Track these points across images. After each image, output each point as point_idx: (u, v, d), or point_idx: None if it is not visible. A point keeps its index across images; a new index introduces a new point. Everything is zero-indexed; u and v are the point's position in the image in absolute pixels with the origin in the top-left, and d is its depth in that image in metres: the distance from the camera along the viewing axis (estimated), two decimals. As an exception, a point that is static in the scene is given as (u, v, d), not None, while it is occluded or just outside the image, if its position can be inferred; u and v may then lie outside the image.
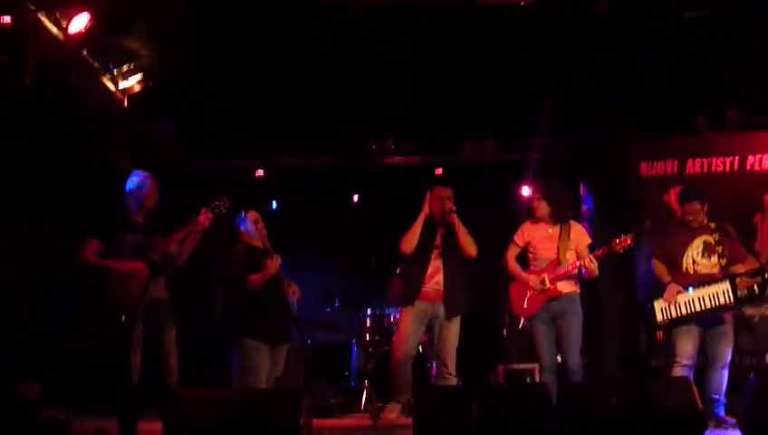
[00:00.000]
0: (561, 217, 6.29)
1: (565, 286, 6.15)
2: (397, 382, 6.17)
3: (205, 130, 8.28)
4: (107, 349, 5.64)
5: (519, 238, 6.40)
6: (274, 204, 9.07)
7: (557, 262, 6.21)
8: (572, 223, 6.36)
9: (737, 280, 5.93)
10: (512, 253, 6.41)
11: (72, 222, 6.39)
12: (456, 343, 6.15)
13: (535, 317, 6.18)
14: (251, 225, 6.12)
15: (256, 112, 8.02)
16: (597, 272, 6.14)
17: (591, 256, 6.06)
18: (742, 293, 5.91)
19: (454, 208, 6.11)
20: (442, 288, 6.11)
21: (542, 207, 6.30)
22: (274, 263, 5.93)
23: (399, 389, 6.16)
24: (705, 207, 6.29)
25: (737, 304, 6.03)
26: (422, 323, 6.17)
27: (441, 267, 6.14)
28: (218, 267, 6.77)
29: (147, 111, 7.15)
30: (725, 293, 5.96)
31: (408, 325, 6.19)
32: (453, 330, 6.13)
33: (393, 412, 6.15)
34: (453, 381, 6.09)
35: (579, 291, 6.25)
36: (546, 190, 6.38)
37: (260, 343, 5.91)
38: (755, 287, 5.89)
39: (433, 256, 6.18)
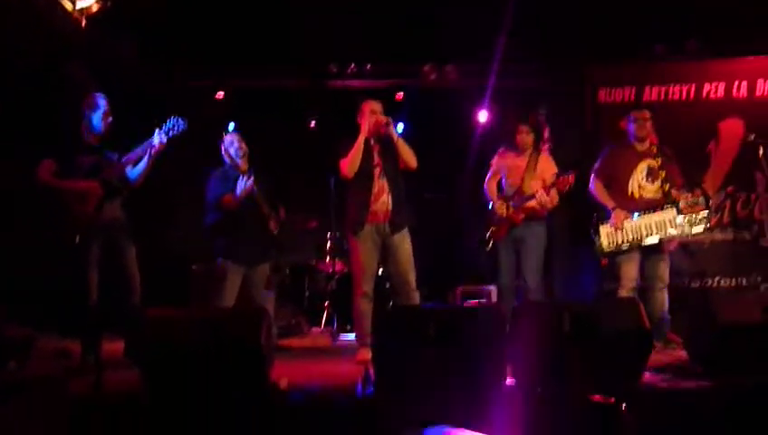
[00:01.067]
0: (537, 147, 6.55)
1: (527, 214, 6.40)
2: (362, 323, 5.82)
3: (164, 51, 8.16)
4: (63, 269, 5.65)
5: (494, 163, 6.72)
6: (232, 125, 9.04)
7: (521, 190, 6.41)
8: (543, 154, 6.57)
9: (682, 206, 5.97)
10: (490, 178, 6.71)
11: (28, 142, 6.33)
12: (412, 258, 5.93)
13: (501, 241, 6.48)
14: (228, 147, 6.17)
15: (217, 33, 7.92)
16: (551, 206, 6.33)
17: (542, 191, 6.23)
18: (687, 220, 5.96)
19: (389, 120, 5.87)
20: (389, 208, 5.85)
21: (529, 139, 6.57)
22: (245, 185, 5.94)
23: (366, 330, 5.71)
24: (653, 125, 6.36)
25: (683, 233, 6.06)
26: (376, 248, 5.91)
27: (386, 186, 5.89)
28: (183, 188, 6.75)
29: (106, 30, 7.02)
30: (672, 221, 6.02)
31: (363, 256, 5.89)
32: (405, 245, 5.91)
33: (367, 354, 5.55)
34: (416, 297, 5.87)
35: (543, 219, 6.46)
36: (532, 121, 6.64)
37: (234, 264, 6.01)
38: (701, 216, 5.95)
39: (375, 176, 5.91)
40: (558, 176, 6.27)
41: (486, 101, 8.70)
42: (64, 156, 5.53)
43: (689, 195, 6.03)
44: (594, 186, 6.41)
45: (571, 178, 6.18)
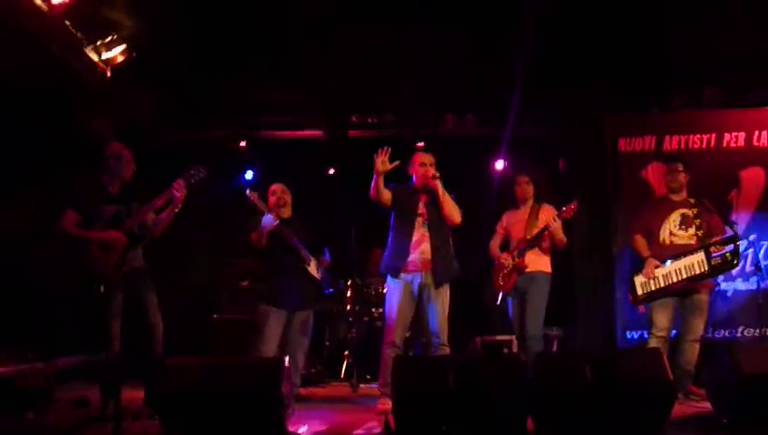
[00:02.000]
0: (538, 199, 6.71)
1: (532, 264, 6.53)
2: (387, 372, 5.65)
3: (186, 102, 8.27)
4: (87, 319, 5.67)
5: (500, 226, 6.90)
6: (250, 174, 9.13)
7: (524, 240, 6.57)
8: (544, 205, 6.71)
9: (711, 248, 6.06)
10: (494, 240, 6.89)
11: (51, 193, 6.41)
12: (446, 312, 5.92)
13: (510, 293, 6.62)
14: (270, 196, 6.44)
15: (238, 84, 8.02)
16: (563, 237, 6.52)
17: (552, 219, 6.40)
18: (716, 261, 6.03)
19: (437, 174, 5.91)
20: (429, 257, 5.87)
21: (529, 191, 6.73)
22: (266, 220, 6.11)
23: (389, 380, 5.39)
24: (687, 176, 6.44)
25: (712, 273, 6.11)
26: (412, 297, 5.90)
27: (427, 236, 5.90)
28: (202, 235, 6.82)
29: (129, 81, 7.13)
30: (700, 262, 6.08)
31: (399, 305, 5.87)
32: (444, 298, 5.91)
33: (388, 404, 5.40)
34: (446, 350, 5.83)
35: (547, 271, 6.57)
36: (533, 174, 6.80)
37: (273, 309, 6.14)
38: (728, 256, 6.02)
39: (417, 225, 5.92)
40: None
41: (504, 150, 8.74)
42: (87, 206, 5.58)
43: (720, 239, 6.13)
44: (633, 239, 6.52)
45: (573, 205, 6.39)
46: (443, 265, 5.91)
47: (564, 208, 6.44)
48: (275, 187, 6.53)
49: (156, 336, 5.59)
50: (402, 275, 5.89)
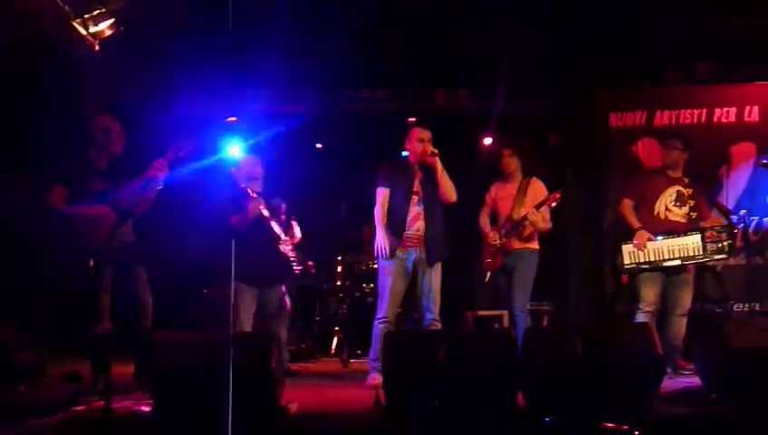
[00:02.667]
0: (527, 172, 6.54)
1: (518, 242, 6.41)
2: (378, 347, 5.70)
3: (177, 75, 8.20)
4: (75, 293, 5.67)
5: (488, 197, 6.73)
6: (239, 149, 9.03)
7: (511, 217, 6.44)
8: (534, 179, 6.55)
9: (707, 233, 6.09)
10: (483, 212, 6.74)
11: (40, 167, 6.37)
12: (439, 289, 5.97)
13: (498, 270, 6.49)
14: (244, 169, 6.15)
15: (230, 56, 7.95)
16: (544, 225, 6.35)
17: (532, 210, 6.25)
18: (711, 247, 6.08)
19: (436, 151, 5.90)
20: (423, 234, 5.90)
21: (513, 163, 6.56)
22: (254, 206, 5.95)
23: (380, 355, 5.39)
24: (686, 155, 6.46)
25: (706, 258, 6.16)
26: (407, 274, 5.95)
27: (422, 213, 5.94)
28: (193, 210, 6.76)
29: (119, 54, 7.07)
30: (695, 246, 6.11)
31: (392, 281, 5.91)
32: (436, 275, 5.96)
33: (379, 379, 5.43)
34: (438, 326, 5.90)
35: (535, 247, 6.44)
36: (517, 147, 6.62)
37: (246, 286, 5.98)
38: (724, 244, 6.07)
39: (412, 203, 5.95)
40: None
41: (493, 126, 8.71)
42: (75, 181, 5.57)
43: (715, 224, 6.20)
44: (623, 205, 6.50)
45: (557, 195, 6.29)
46: (437, 243, 5.94)
47: (549, 197, 6.31)
48: (248, 159, 6.29)
49: (145, 311, 5.59)
50: (397, 252, 5.91)
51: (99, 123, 5.70)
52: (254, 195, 5.99)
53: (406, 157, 6.16)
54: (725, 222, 6.32)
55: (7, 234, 6.83)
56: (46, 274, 6.52)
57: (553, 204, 6.32)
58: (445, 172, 5.94)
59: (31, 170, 6.73)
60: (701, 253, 6.08)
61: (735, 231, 6.25)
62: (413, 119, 8.73)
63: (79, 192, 5.52)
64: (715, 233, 6.07)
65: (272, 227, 6.08)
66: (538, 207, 6.27)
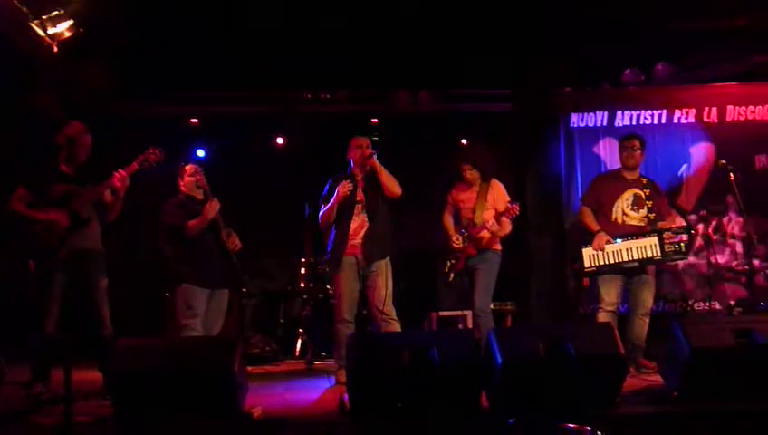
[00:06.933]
0: (486, 177, 6.59)
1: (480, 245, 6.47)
2: (342, 348, 5.89)
3: (136, 78, 8.13)
4: (22, 297, 5.63)
5: (450, 198, 6.79)
6: (202, 152, 8.97)
7: (473, 222, 6.50)
8: (493, 182, 6.60)
9: (665, 235, 6.11)
10: (446, 212, 6.79)
11: (3, 170, 6.28)
12: (391, 288, 6.06)
13: (461, 271, 6.56)
14: (188, 177, 6.13)
15: (189, 58, 7.90)
16: (504, 232, 6.42)
17: (492, 221, 6.31)
18: (669, 248, 6.10)
19: (373, 152, 6.06)
20: (361, 241, 6.09)
21: (473, 174, 6.60)
22: (212, 206, 5.94)
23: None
24: (643, 154, 6.48)
25: (663, 259, 6.18)
26: (357, 277, 6.10)
27: (366, 221, 6.11)
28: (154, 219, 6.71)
29: (78, 57, 6.99)
30: (653, 247, 6.13)
31: (343, 285, 6.09)
32: (382, 275, 6.07)
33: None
34: (396, 326, 6.00)
35: (497, 248, 6.50)
36: (473, 157, 6.70)
37: (198, 287, 5.94)
38: (681, 245, 6.09)
39: (356, 211, 6.13)
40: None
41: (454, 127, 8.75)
42: (37, 184, 5.50)
43: (673, 225, 6.21)
44: (581, 211, 6.54)
45: (515, 207, 6.31)
46: (374, 243, 6.08)
47: (509, 208, 6.32)
48: (193, 167, 6.22)
49: (102, 321, 5.51)
50: (344, 258, 6.08)
51: (68, 130, 5.63)
52: (211, 196, 5.99)
53: (350, 169, 6.29)
54: (684, 223, 6.36)
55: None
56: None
57: (513, 216, 6.34)
58: (384, 169, 6.06)
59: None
60: (659, 254, 6.11)
61: (693, 233, 6.30)
62: (375, 120, 8.77)
63: (41, 196, 5.46)
64: (672, 234, 6.10)
65: (221, 231, 6.05)
66: (500, 216, 6.33)
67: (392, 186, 6.08)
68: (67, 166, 5.63)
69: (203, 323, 5.94)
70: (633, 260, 6.16)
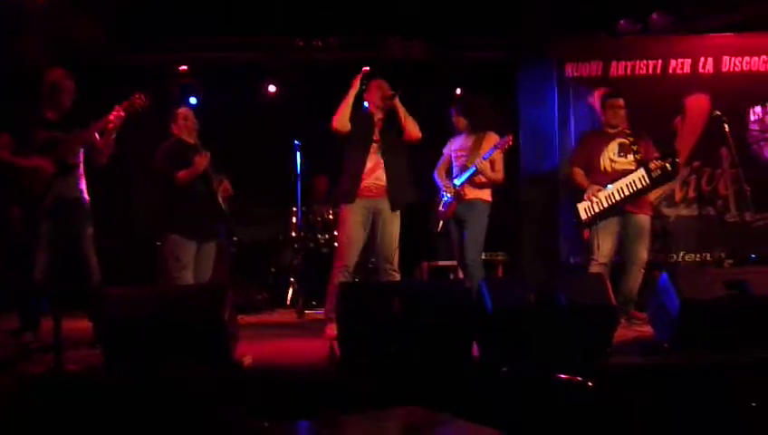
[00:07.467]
0: (478, 128, 6.60)
1: (471, 193, 6.49)
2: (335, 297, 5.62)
3: (125, 24, 8.01)
4: (9, 245, 5.64)
5: (446, 150, 6.81)
6: (194, 100, 8.89)
7: (466, 168, 6.50)
8: (489, 133, 6.59)
9: (650, 164, 6.13)
10: (440, 163, 6.80)
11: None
12: (397, 238, 6.02)
13: (450, 220, 6.58)
14: (182, 121, 6.05)
15: (179, 5, 7.79)
16: (494, 175, 6.46)
17: (480, 159, 6.34)
18: (656, 173, 6.11)
19: (396, 92, 5.96)
20: (384, 183, 5.92)
21: (461, 121, 6.68)
22: (203, 159, 5.89)
23: None
24: (626, 113, 6.45)
25: (653, 185, 6.19)
26: (366, 222, 5.95)
27: (381, 162, 5.94)
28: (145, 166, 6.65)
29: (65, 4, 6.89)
30: (641, 178, 6.15)
31: (351, 229, 5.91)
32: (395, 224, 6.00)
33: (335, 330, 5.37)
34: (396, 276, 5.95)
35: (487, 199, 6.53)
36: (463, 106, 6.77)
37: (186, 239, 5.91)
38: (668, 166, 6.11)
39: (371, 151, 5.95)
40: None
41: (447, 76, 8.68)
42: (21, 130, 5.43)
43: (659, 155, 6.24)
44: (573, 173, 6.53)
45: (508, 138, 6.37)
46: (398, 190, 5.96)
47: (502, 141, 6.38)
48: (186, 111, 6.20)
49: (90, 269, 5.48)
50: (357, 200, 5.92)
51: (49, 77, 5.54)
52: (202, 149, 5.93)
53: (366, 108, 6.15)
54: (670, 158, 6.29)
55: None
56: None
57: (506, 147, 6.39)
58: (405, 110, 5.98)
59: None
60: (648, 182, 6.12)
61: (678, 160, 6.32)
62: (367, 68, 8.66)
63: (25, 143, 5.38)
64: (658, 162, 6.11)
65: (212, 181, 6.00)
66: (488, 153, 6.34)
67: (412, 128, 5.98)
68: (51, 112, 5.55)
69: (193, 275, 5.92)
70: (625, 196, 6.17)
